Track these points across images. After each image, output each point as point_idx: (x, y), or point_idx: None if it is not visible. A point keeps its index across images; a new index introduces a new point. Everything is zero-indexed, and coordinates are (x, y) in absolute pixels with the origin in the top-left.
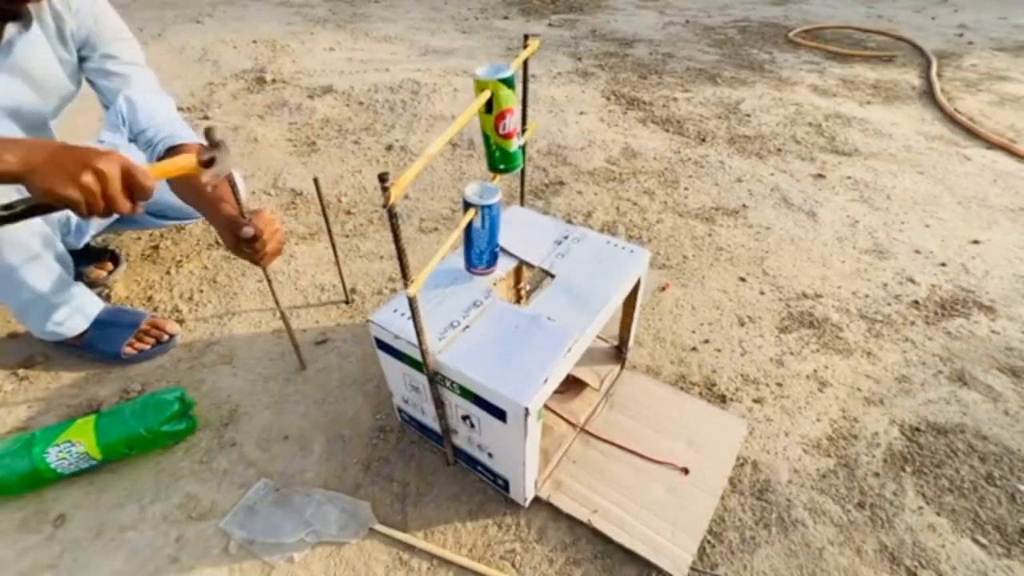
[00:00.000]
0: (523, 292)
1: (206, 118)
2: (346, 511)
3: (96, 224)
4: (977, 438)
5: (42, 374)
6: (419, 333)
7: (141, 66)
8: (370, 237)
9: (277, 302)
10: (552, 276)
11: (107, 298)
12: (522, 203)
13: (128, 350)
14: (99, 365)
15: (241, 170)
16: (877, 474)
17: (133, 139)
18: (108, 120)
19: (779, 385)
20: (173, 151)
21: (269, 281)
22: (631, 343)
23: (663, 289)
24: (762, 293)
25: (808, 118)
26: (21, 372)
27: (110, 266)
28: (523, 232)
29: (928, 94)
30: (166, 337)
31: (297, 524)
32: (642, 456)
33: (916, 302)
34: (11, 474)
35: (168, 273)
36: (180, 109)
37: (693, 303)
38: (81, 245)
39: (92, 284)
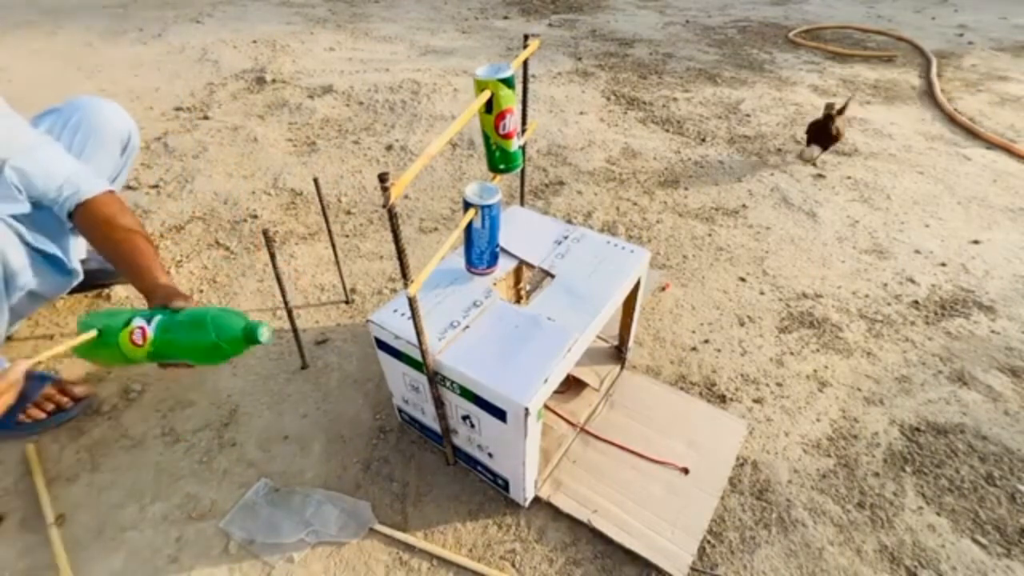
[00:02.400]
0: (523, 292)
1: (206, 118)
2: (346, 511)
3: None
4: (977, 438)
5: None
6: (419, 333)
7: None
8: (370, 237)
9: (285, 300)
10: (552, 276)
11: (107, 298)
12: (522, 203)
13: (23, 419)
14: (98, 365)
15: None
16: (877, 474)
17: (35, 203)
18: (0, 192)
19: (779, 385)
20: (81, 207)
21: (279, 279)
22: (631, 343)
23: (663, 289)
24: (762, 293)
25: (808, 118)
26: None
27: None
28: (523, 232)
29: (928, 94)
30: (69, 404)
31: (297, 524)
32: (642, 456)
33: (916, 302)
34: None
35: (168, 273)
36: (180, 109)
37: (693, 303)
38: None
39: None
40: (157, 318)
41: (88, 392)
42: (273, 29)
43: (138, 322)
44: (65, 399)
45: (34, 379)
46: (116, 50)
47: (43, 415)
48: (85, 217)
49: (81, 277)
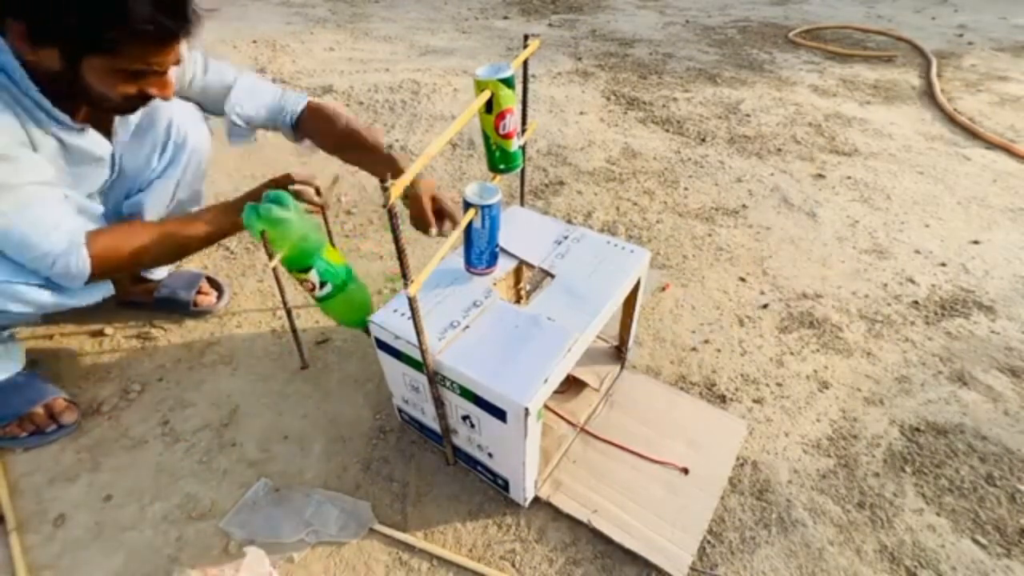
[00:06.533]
0: (523, 292)
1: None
2: (346, 511)
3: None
4: (977, 438)
5: (42, 375)
6: (419, 333)
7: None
8: (370, 237)
9: (284, 300)
10: (552, 276)
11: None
12: (522, 203)
13: (1, 432)
14: (100, 365)
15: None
16: (877, 474)
17: (261, 125)
18: (232, 133)
19: (779, 385)
20: (302, 116)
21: (277, 279)
22: (631, 343)
23: (663, 289)
24: (762, 293)
25: (808, 118)
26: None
27: (215, 293)
28: (523, 232)
29: (928, 94)
30: (52, 427)
31: (297, 524)
32: (642, 456)
33: (916, 302)
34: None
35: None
36: None
37: (693, 303)
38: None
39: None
40: (328, 288)
41: (73, 420)
42: (273, 29)
43: (313, 276)
44: (50, 423)
45: (31, 391)
46: None
47: (22, 433)
48: (307, 127)
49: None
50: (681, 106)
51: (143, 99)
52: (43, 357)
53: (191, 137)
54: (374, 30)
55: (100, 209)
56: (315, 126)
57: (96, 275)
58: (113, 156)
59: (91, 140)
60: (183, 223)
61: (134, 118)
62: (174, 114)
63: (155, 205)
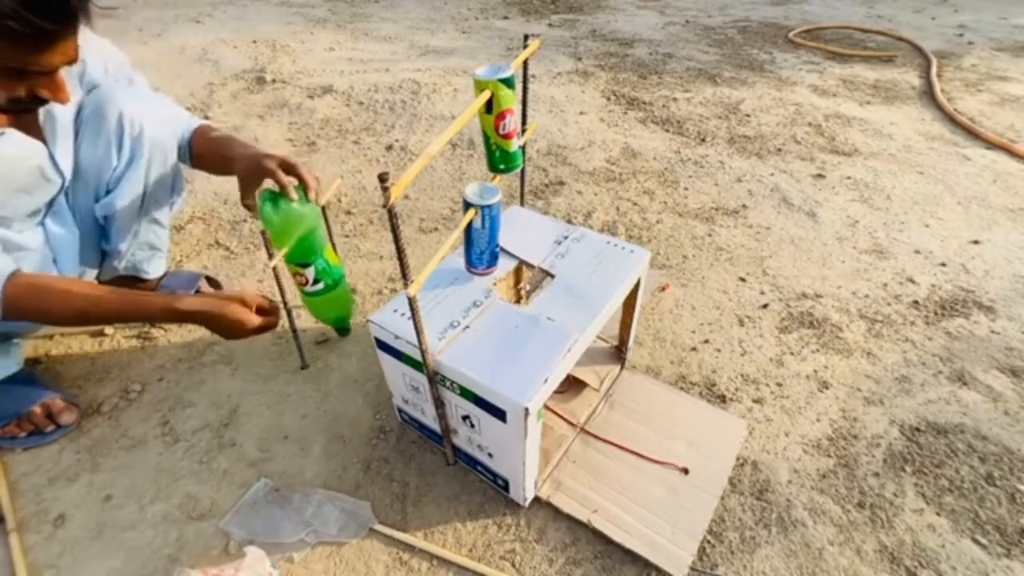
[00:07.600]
0: (523, 292)
1: (206, 118)
2: (346, 511)
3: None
4: (977, 438)
5: (42, 375)
6: (419, 333)
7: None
8: (370, 237)
9: (284, 300)
10: (552, 276)
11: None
12: (522, 203)
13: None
14: (100, 365)
15: None
16: (877, 474)
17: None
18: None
19: (779, 385)
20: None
21: (278, 278)
22: (631, 343)
23: (663, 289)
24: (762, 293)
25: (808, 118)
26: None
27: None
28: (523, 232)
29: (928, 94)
30: (51, 427)
31: (297, 524)
32: (642, 456)
33: (916, 302)
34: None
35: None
36: None
37: (693, 303)
38: None
39: None
40: (320, 285)
41: (72, 420)
42: (273, 29)
43: (310, 272)
44: (48, 423)
45: (30, 391)
46: None
47: (21, 433)
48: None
49: None
50: (681, 106)
51: (38, 101)
52: (43, 357)
53: (148, 128)
54: (374, 30)
55: (33, 241)
56: (204, 147)
57: (6, 316)
58: (53, 158)
59: (14, 142)
60: (116, 299)
61: (66, 112)
62: (125, 105)
63: (127, 206)
